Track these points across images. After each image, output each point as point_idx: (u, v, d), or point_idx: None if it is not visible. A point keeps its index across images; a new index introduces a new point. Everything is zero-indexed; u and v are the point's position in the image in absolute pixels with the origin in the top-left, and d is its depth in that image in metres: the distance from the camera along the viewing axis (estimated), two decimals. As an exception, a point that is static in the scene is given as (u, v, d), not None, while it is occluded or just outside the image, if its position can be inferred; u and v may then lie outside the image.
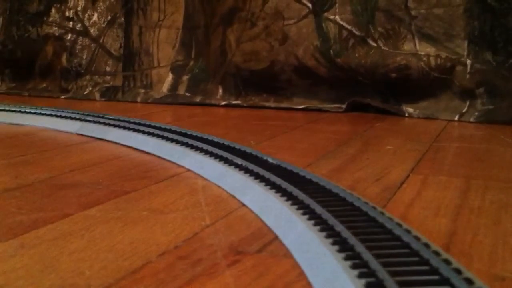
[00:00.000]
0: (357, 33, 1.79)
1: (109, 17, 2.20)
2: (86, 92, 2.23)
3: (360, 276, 0.48)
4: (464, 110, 1.69)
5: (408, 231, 0.59)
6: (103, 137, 1.28)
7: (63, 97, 2.25)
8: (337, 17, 1.82)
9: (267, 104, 1.94)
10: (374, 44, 1.78)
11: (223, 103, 2.00)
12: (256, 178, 0.85)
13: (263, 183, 0.82)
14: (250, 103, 1.96)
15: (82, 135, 1.33)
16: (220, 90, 2.03)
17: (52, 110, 1.51)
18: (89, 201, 0.82)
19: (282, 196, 0.75)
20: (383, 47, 1.77)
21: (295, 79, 1.90)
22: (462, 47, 1.68)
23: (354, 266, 0.50)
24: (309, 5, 1.85)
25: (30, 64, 2.34)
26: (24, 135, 1.34)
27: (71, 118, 1.43)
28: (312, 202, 0.70)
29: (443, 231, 0.70)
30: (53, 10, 2.29)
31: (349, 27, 1.80)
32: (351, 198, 0.71)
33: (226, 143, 1.10)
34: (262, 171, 0.86)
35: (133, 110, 1.95)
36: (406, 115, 1.77)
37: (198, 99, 2.04)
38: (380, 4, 1.75)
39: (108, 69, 2.22)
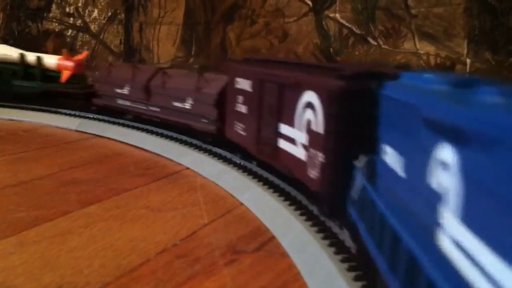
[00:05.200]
0: (357, 31, 1.79)
1: (110, 13, 2.20)
2: (86, 88, 2.22)
3: (356, 279, 0.49)
4: (463, 110, 1.69)
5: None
6: (103, 134, 1.29)
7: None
8: (337, 15, 1.82)
9: (266, 101, 1.94)
10: (374, 43, 1.78)
11: (223, 100, 2.00)
12: (254, 178, 0.85)
13: (262, 183, 0.83)
14: (250, 100, 1.96)
15: (81, 131, 1.33)
16: (220, 87, 2.03)
17: (52, 107, 1.51)
18: (88, 198, 0.82)
19: (280, 196, 0.76)
20: (383, 46, 1.77)
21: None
22: (462, 46, 1.68)
23: (350, 269, 0.51)
24: (310, 3, 1.85)
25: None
26: (24, 131, 1.34)
27: (70, 114, 1.43)
28: (310, 203, 0.70)
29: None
30: (54, 6, 2.29)
31: (349, 25, 1.80)
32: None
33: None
34: (260, 171, 0.87)
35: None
36: (406, 113, 1.77)
37: (198, 96, 2.04)
38: (380, 2, 1.75)
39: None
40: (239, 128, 0.89)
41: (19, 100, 1.56)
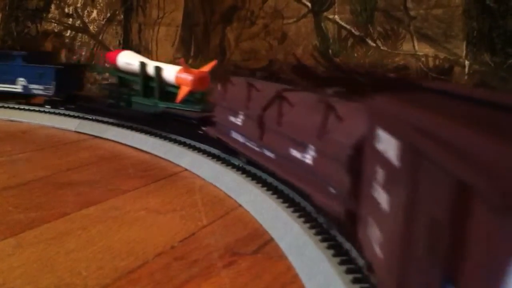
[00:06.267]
0: (356, 33, 1.80)
1: (109, 14, 2.20)
2: (84, 89, 2.22)
3: (355, 281, 0.49)
4: (462, 111, 1.68)
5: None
6: (102, 135, 1.29)
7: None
8: (336, 16, 1.82)
9: (265, 102, 1.94)
10: (373, 44, 1.78)
11: (221, 101, 1.99)
12: (253, 179, 0.85)
13: (260, 184, 0.83)
14: (249, 101, 1.96)
15: (80, 132, 1.33)
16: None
17: (50, 107, 1.51)
18: (86, 200, 0.82)
19: (278, 198, 0.76)
20: (382, 47, 1.77)
21: (293, 78, 1.91)
22: (461, 48, 1.68)
23: (348, 271, 0.51)
24: (309, 4, 1.85)
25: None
26: (22, 132, 1.34)
27: (69, 115, 1.43)
28: (308, 205, 0.70)
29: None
30: (53, 6, 2.29)
31: (348, 27, 1.81)
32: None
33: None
34: (259, 172, 0.87)
35: (132, 107, 1.95)
36: (404, 115, 1.76)
37: (196, 97, 2.03)
38: (379, 4, 1.76)
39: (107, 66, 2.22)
40: (374, 235, 0.40)
41: (134, 121, 1.26)
